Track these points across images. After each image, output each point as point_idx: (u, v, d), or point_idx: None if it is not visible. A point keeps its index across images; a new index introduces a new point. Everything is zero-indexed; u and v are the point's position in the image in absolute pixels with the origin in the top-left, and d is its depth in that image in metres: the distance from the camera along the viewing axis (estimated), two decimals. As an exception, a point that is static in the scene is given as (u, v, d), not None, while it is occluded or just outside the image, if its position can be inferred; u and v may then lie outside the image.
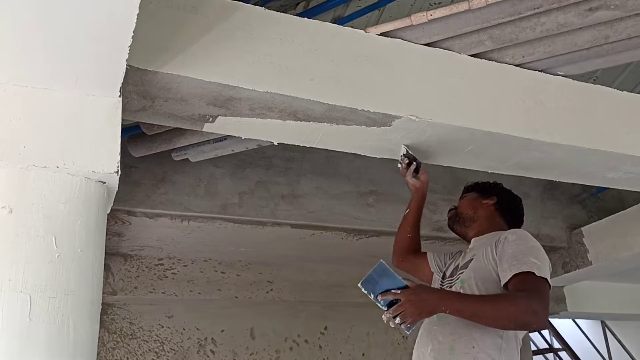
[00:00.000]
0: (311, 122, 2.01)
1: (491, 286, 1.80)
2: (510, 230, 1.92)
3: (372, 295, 1.64)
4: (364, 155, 2.34)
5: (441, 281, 2.06)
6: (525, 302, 1.63)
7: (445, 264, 2.16)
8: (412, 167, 2.17)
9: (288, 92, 1.84)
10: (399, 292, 1.62)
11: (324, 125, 2.03)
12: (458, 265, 2.00)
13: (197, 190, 3.08)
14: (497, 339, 1.74)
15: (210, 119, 1.98)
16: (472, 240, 2.07)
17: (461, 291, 1.86)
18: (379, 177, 3.49)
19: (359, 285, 1.65)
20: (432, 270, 2.17)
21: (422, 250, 2.28)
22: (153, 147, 2.68)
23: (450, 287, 1.94)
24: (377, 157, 2.35)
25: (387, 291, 1.62)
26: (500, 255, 1.80)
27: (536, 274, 1.71)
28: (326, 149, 2.29)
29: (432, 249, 2.29)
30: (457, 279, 1.93)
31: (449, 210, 2.21)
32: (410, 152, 2.13)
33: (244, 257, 3.95)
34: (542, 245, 4.28)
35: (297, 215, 3.25)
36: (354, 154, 2.32)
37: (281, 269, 4.09)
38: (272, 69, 1.83)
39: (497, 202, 2.13)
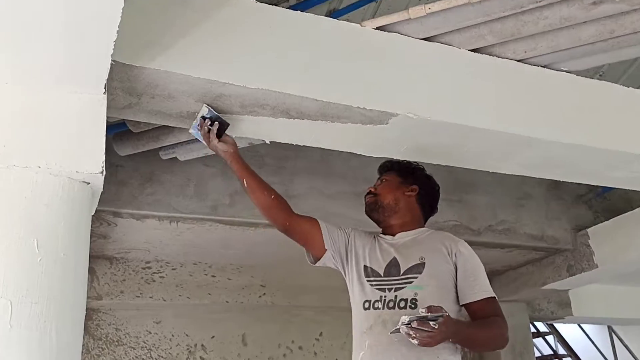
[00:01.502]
0: (305, 120, 2.02)
1: (449, 296, 1.92)
2: (454, 238, 2.03)
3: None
4: (360, 155, 2.35)
5: (369, 279, 1.97)
6: (504, 329, 1.89)
7: (346, 247, 2.09)
8: (215, 127, 1.95)
9: (280, 88, 1.85)
10: (436, 325, 1.68)
11: (318, 123, 2.04)
12: (394, 264, 1.97)
13: (186, 190, 3.09)
14: (452, 344, 1.85)
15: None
16: (398, 235, 2.07)
17: (416, 297, 1.87)
18: (376, 177, 3.50)
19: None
20: (326, 246, 2.06)
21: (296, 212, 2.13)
22: (140, 145, 2.69)
23: (397, 290, 1.91)
24: (374, 156, 2.36)
25: (424, 319, 1.68)
26: (460, 270, 1.95)
27: (496, 298, 1.95)
28: (321, 148, 2.30)
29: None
30: (408, 282, 1.90)
31: (367, 194, 2.18)
32: (214, 111, 1.92)
33: (235, 260, 3.95)
34: (547, 248, 4.32)
35: (290, 216, 3.25)
36: (350, 152, 2.32)
37: (274, 272, 4.09)
38: (263, 64, 1.84)
39: (419, 194, 2.15)
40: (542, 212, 3.98)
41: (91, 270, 3.53)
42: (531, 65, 2.28)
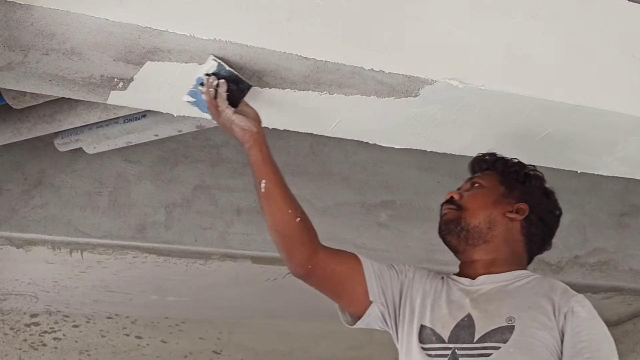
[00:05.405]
0: (287, 90, 2.03)
1: None
2: (567, 291, 2.01)
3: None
4: (373, 145, 2.36)
5: (425, 347, 1.99)
6: None
7: (401, 295, 2.12)
8: (222, 89, 1.93)
9: (248, 40, 1.85)
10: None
11: (307, 95, 2.05)
12: (467, 325, 1.99)
13: (97, 200, 3.08)
14: None
15: (120, 84, 1.99)
16: (481, 279, 2.08)
17: None
18: (397, 180, 3.51)
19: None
20: (371, 297, 2.07)
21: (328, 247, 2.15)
22: (23, 130, 2.68)
23: None
24: (396, 147, 2.37)
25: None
26: (568, 342, 1.91)
27: None
28: (310, 134, 2.31)
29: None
30: (484, 356, 1.93)
31: (445, 203, 2.15)
32: (226, 66, 1.92)
33: (175, 312, 3.95)
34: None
35: (262, 241, 3.25)
36: (357, 141, 2.33)
37: (235, 332, 4.09)
38: (222, 2, 1.84)
39: (528, 218, 2.13)
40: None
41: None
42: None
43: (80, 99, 2.08)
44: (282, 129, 2.25)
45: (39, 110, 2.61)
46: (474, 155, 2.34)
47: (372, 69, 1.95)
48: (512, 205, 2.12)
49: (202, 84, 1.94)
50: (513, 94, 2.09)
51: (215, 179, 3.26)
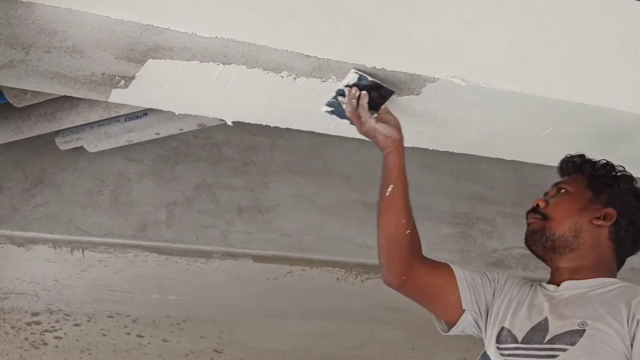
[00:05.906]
0: (288, 89, 2.03)
1: None
2: None
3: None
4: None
5: (501, 347, 2.05)
6: None
7: (493, 301, 2.16)
8: (364, 100, 2.03)
9: (250, 38, 1.84)
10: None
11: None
12: (542, 328, 2.01)
13: (98, 199, 3.08)
14: None
15: (122, 82, 1.99)
16: (564, 285, 2.08)
17: None
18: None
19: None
20: (464, 305, 2.12)
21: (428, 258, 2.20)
22: (24, 128, 2.68)
23: None
24: (397, 145, 2.37)
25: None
26: (637, 348, 1.89)
27: None
28: (312, 132, 2.31)
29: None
30: (551, 357, 1.95)
31: (531, 211, 2.15)
32: (368, 76, 1.99)
33: (176, 311, 3.95)
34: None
35: (263, 240, 3.25)
36: (358, 140, 2.32)
37: (236, 330, 4.08)
38: (224, 1, 1.84)
39: (617, 224, 2.11)
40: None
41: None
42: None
43: (82, 97, 2.08)
44: (283, 127, 2.25)
45: (40, 108, 2.61)
46: (475, 153, 2.34)
47: (374, 66, 1.95)
48: (599, 211, 2.09)
49: (341, 94, 2.02)
50: (515, 92, 2.09)
51: (217, 177, 3.26)
